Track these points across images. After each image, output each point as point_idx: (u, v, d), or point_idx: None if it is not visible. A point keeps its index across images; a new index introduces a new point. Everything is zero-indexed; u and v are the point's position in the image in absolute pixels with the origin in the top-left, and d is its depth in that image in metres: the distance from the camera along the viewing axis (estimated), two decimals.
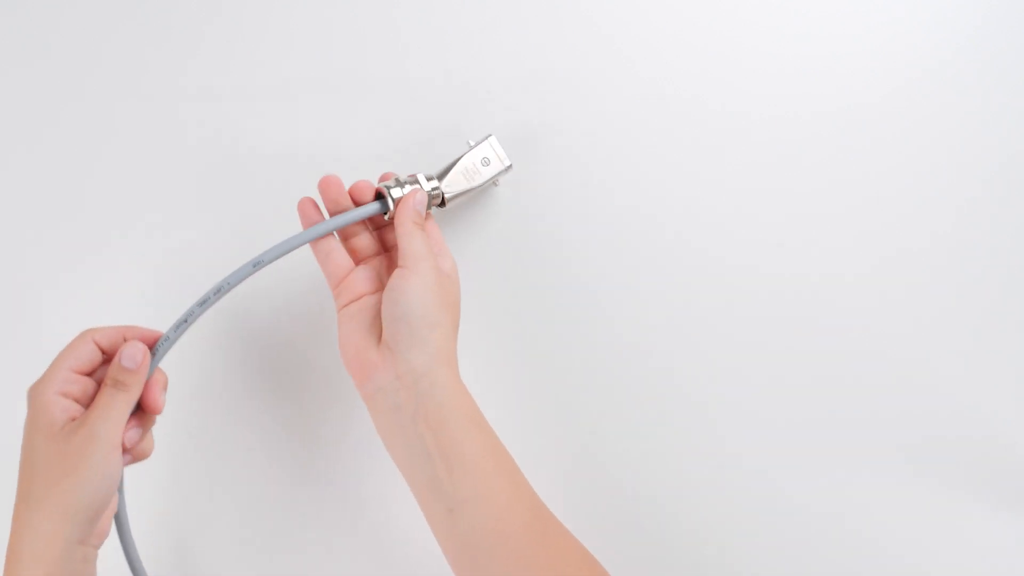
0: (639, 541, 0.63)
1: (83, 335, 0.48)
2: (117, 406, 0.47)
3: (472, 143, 0.58)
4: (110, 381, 0.47)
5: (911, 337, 0.66)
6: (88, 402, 0.48)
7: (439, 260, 0.54)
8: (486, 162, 0.58)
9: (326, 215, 0.55)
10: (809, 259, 0.66)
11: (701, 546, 0.63)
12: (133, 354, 0.47)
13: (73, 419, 0.46)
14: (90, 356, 0.48)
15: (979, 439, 0.65)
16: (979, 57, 0.66)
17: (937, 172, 0.66)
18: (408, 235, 0.52)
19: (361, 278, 0.55)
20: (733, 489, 0.64)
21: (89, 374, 0.49)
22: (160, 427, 0.53)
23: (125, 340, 0.49)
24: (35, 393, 0.46)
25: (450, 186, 0.57)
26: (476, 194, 0.60)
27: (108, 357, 0.49)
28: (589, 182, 0.67)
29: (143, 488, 0.59)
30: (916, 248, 0.66)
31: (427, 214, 0.57)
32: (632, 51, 0.68)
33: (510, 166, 0.59)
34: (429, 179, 0.57)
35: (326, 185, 0.54)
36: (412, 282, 0.51)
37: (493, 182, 0.59)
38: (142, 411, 0.50)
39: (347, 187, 0.54)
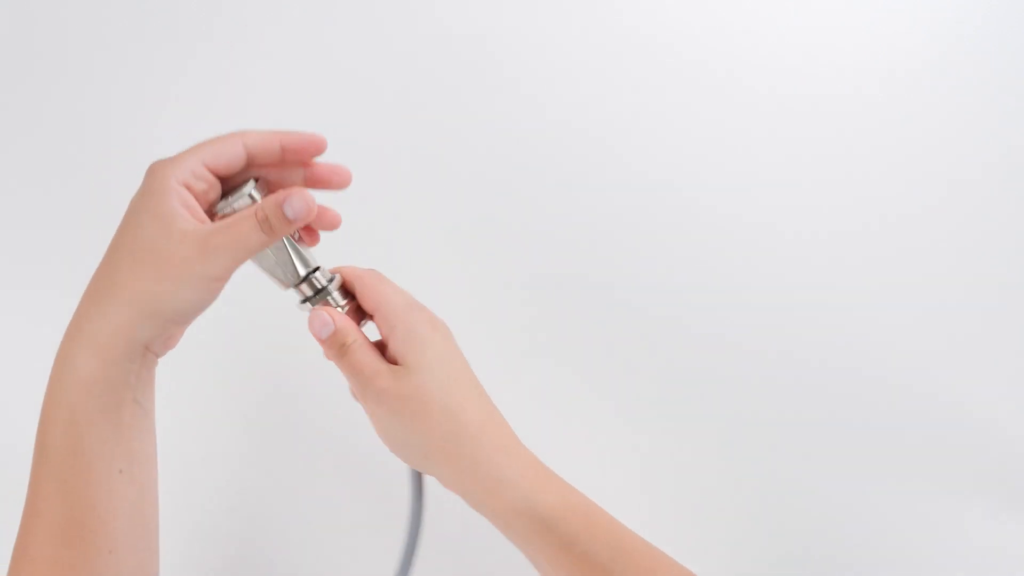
0: None
1: (234, 136, 0.42)
2: (249, 247, 0.40)
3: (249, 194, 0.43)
4: (261, 216, 0.40)
5: (911, 337, 0.66)
6: (206, 204, 0.42)
7: (398, 339, 0.43)
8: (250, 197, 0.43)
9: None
10: (809, 259, 0.67)
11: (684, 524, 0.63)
12: (301, 207, 0.40)
13: (189, 211, 0.40)
14: (231, 159, 0.42)
15: (979, 439, 0.65)
16: (979, 49, 0.66)
17: (940, 167, 0.67)
18: (344, 371, 0.44)
19: None
20: (728, 487, 0.64)
21: (223, 177, 0.42)
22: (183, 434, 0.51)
23: (282, 149, 0.43)
24: (158, 173, 0.40)
25: (306, 264, 0.44)
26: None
27: (253, 165, 0.43)
28: (591, 180, 0.66)
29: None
30: (919, 248, 0.66)
31: (347, 302, 0.45)
32: (631, 47, 0.67)
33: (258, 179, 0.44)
34: (305, 296, 0.45)
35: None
36: (378, 427, 0.44)
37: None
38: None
39: None
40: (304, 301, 0.45)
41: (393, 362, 0.44)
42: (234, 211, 0.42)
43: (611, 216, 0.67)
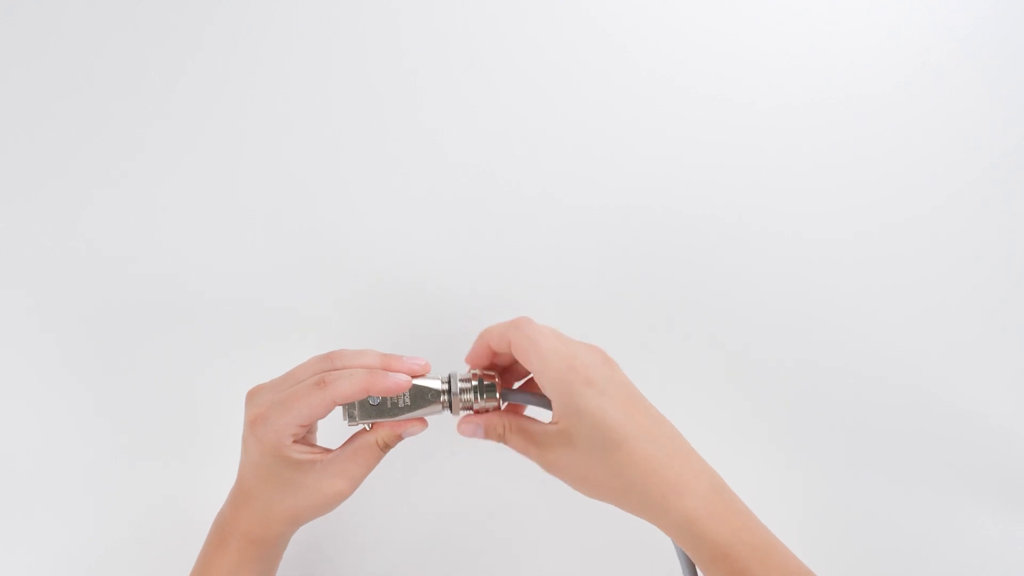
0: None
1: (324, 397, 0.46)
2: (373, 465, 0.49)
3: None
4: (382, 444, 0.49)
5: (911, 336, 0.66)
6: (304, 435, 0.49)
7: (557, 407, 0.46)
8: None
9: None
10: (809, 258, 0.67)
11: None
12: (416, 431, 0.49)
13: (307, 452, 0.48)
14: (320, 417, 0.48)
15: (980, 439, 0.65)
16: (979, 52, 0.66)
17: (942, 169, 0.67)
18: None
19: None
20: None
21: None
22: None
23: (368, 392, 0.48)
24: (266, 435, 0.47)
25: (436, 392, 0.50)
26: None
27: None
28: (587, 184, 0.67)
29: None
30: (918, 247, 0.66)
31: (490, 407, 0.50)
32: (634, 47, 0.68)
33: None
34: (461, 403, 0.50)
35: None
36: (559, 477, 0.48)
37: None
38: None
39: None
40: (464, 408, 0.50)
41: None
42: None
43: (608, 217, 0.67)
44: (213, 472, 0.56)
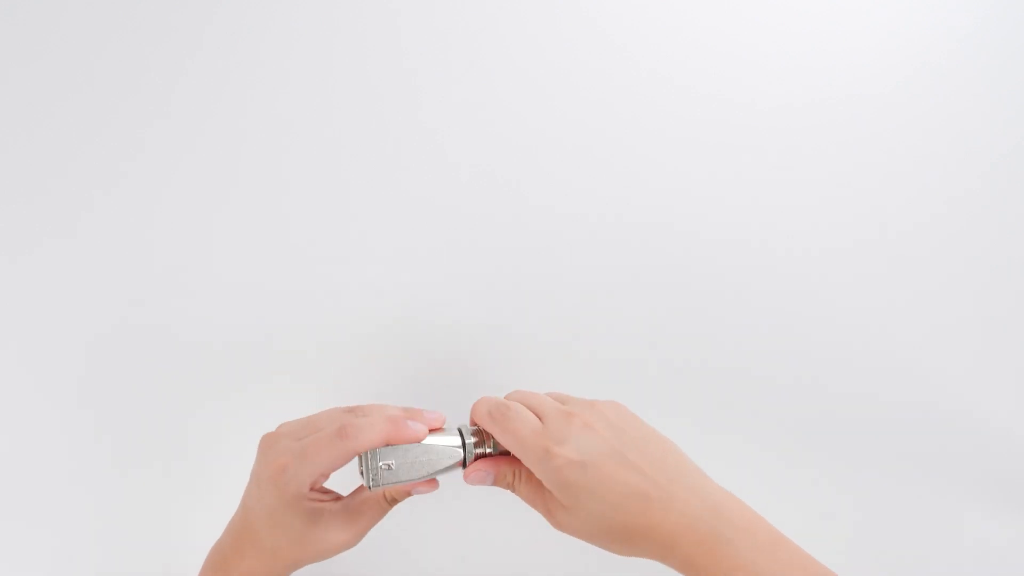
0: None
1: (347, 447, 0.46)
2: (380, 517, 0.51)
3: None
4: (389, 498, 0.51)
5: (912, 337, 0.66)
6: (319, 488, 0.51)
7: (549, 488, 0.46)
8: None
9: None
10: (808, 256, 0.67)
11: None
12: (427, 490, 0.50)
13: (316, 494, 0.49)
14: (342, 465, 0.48)
15: (979, 440, 0.65)
16: (979, 52, 0.66)
17: (940, 167, 0.67)
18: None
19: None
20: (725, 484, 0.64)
21: None
22: None
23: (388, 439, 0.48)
24: (288, 486, 0.47)
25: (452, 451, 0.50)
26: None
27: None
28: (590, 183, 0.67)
29: None
30: (917, 248, 0.66)
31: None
32: (634, 47, 0.68)
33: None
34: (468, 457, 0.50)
35: None
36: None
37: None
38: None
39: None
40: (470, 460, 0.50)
41: None
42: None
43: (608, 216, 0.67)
44: (206, 490, 0.55)
